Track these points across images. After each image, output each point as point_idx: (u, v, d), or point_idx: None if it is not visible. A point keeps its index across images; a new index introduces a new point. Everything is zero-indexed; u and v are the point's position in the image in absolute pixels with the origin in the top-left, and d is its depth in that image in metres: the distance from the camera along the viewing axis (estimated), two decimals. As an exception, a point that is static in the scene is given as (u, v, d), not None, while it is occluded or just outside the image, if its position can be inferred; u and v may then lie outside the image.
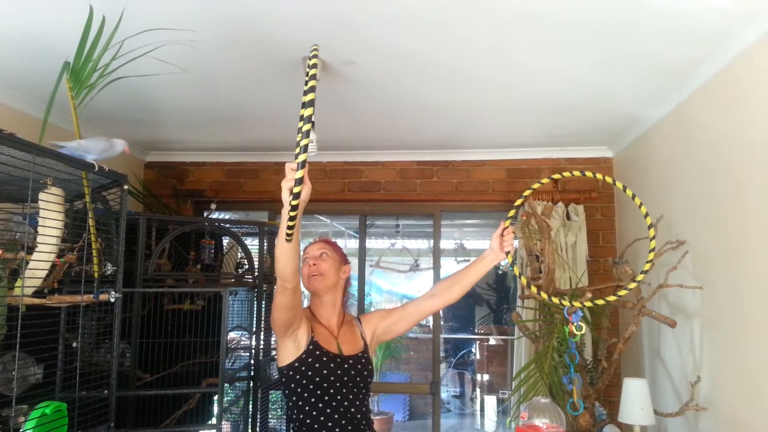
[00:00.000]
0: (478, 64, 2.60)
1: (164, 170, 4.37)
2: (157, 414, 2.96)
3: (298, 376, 1.96)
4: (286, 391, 2.00)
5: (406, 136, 3.84)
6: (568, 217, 3.91)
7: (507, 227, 2.02)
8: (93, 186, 2.17)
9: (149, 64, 2.39)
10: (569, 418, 2.62)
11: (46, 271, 1.93)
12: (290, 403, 2.00)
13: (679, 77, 2.69)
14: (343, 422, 1.96)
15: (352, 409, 1.99)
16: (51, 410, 1.77)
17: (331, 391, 1.97)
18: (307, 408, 1.95)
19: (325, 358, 1.98)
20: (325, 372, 1.96)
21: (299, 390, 1.96)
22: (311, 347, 1.98)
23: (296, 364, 1.96)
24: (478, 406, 7.60)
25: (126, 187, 2.21)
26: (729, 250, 2.42)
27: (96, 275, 2.10)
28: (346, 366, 2.02)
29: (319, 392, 1.96)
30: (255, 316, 3.41)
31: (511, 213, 2.04)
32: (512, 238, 2.03)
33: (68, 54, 2.10)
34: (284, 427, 3.78)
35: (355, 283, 3.97)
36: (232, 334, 3.73)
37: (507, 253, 2.01)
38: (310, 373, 1.95)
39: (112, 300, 2.09)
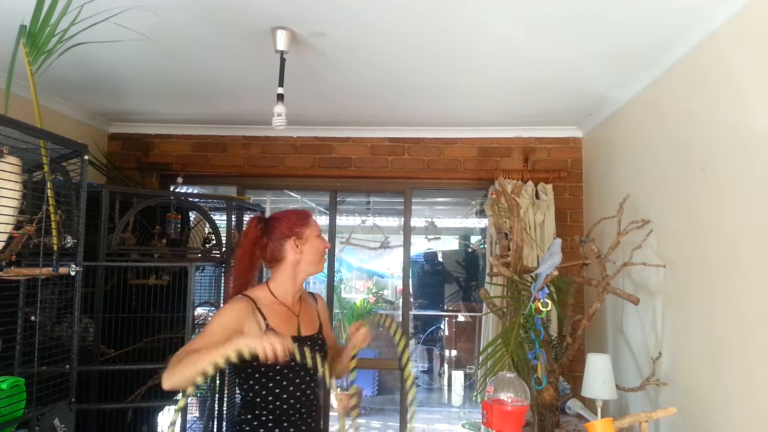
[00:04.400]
0: (451, 42, 2.57)
1: (129, 142, 4.26)
2: (122, 389, 2.93)
3: (255, 362, 1.81)
4: (239, 371, 1.94)
5: (377, 112, 3.80)
6: (537, 196, 3.94)
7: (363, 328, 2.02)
8: (52, 156, 2.10)
9: (111, 31, 2.31)
10: (534, 392, 2.67)
11: (3, 243, 1.87)
12: (240, 381, 1.95)
13: (649, 59, 2.71)
14: (298, 405, 1.95)
15: (308, 391, 1.98)
16: (8, 385, 1.73)
17: (285, 371, 1.92)
18: (257, 387, 1.92)
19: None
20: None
21: (249, 371, 1.90)
22: None
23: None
24: (445, 381, 7.72)
25: (86, 157, 2.15)
26: (692, 229, 2.47)
27: (55, 248, 2.04)
28: (312, 349, 1.98)
29: (271, 374, 1.91)
30: (222, 291, 3.37)
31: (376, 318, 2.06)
32: (365, 339, 2.04)
33: (24, 17, 2.01)
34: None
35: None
36: (199, 310, 3.69)
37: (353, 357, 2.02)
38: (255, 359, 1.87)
39: (73, 273, 2.04)
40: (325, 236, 2.17)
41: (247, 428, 1.91)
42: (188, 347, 1.70)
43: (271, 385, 1.91)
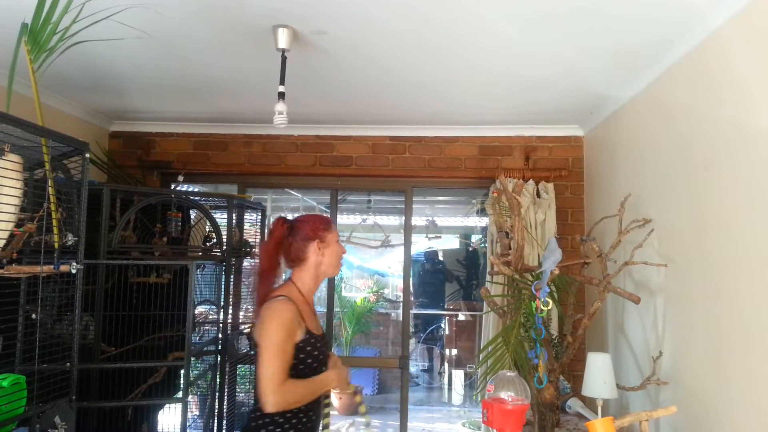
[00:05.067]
0: (450, 40, 2.57)
1: (130, 140, 4.26)
2: (123, 387, 2.93)
3: (294, 361, 2.02)
4: None
5: (378, 111, 3.80)
6: (538, 195, 3.94)
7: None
8: (53, 154, 2.10)
9: (113, 29, 2.31)
10: (534, 391, 2.66)
11: (5, 241, 1.87)
12: None
13: (650, 57, 2.70)
14: (319, 396, 2.14)
15: None
16: (8, 383, 1.73)
17: (315, 365, 2.09)
18: None
19: (318, 344, 2.11)
20: (315, 353, 2.08)
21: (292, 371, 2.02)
22: (307, 336, 2.06)
23: (295, 350, 2.03)
24: (446, 380, 7.72)
25: (87, 155, 2.14)
26: (694, 228, 2.46)
27: (56, 246, 2.04)
28: (325, 345, 2.18)
29: (307, 371, 2.06)
30: (223, 290, 3.37)
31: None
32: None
33: (26, 15, 2.01)
34: (252, 401, 3.78)
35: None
36: (199, 308, 3.69)
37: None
38: (302, 356, 2.04)
39: (74, 271, 2.04)
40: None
41: (281, 420, 2.00)
42: (279, 371, 1.94)
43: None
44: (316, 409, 2.11)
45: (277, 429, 1.99)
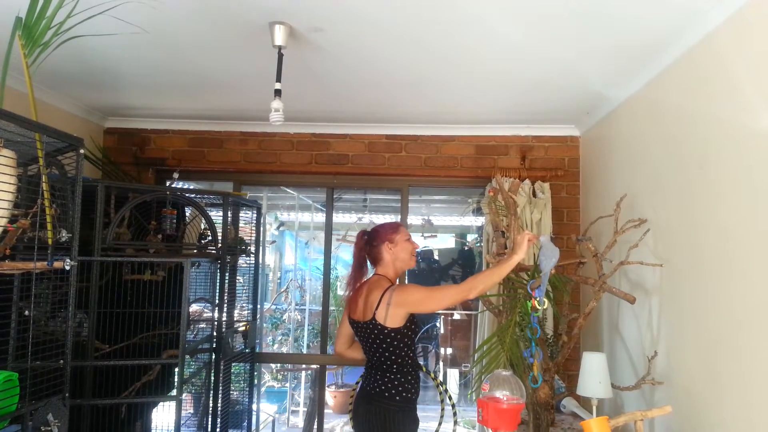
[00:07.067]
0: (448, 39, 2.56)
1: (125, 137, 4.24)
2: (117, 385, 2.91)
3: (410, 333, 2.56)
4: (397, 344, 2.53)
5: (375, 109, 3.79)
6: (534, 195, 3.94)
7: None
8: (47, 149, 2.08)
9: (108, 24, 2.29)
10: (529, 390, 2.66)
11: (-3, 237, 1.86)
12: (396, 353, 2.53)
13: (647, 57, 2.70)
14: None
15: None
16: (1, 380, 1.72)
17: (413, 334, 2.59)
18: (407, 350, 2.55)
19: (415, 320, 2.62)
20: (414, 327, 2.60)
21: (406, 340, 2.55)
22: (412, 315, 2.58)
23: (409, 324, 2.55)
24: (440, 379, 7.72)
25: (82, 151, 2.13)
26: (690, 228, 2.47)
27: (50, 242, 2.02)
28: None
29: (411, 343, 2.58)
30: (218, 288, 3.36)
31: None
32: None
33: (20, 8, 1.99)
34: (247, 399, 3.78)
35: (321, 256, 3.93)
36: (194, 306, 3.67)
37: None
38: (412, 331, 2.57)
39: (67, 268, 2.02)
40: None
41: (410, 384, 2.56)
42: (446, 290, 2.61)
43: (412, 347, 2.58)
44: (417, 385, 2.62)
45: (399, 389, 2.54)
